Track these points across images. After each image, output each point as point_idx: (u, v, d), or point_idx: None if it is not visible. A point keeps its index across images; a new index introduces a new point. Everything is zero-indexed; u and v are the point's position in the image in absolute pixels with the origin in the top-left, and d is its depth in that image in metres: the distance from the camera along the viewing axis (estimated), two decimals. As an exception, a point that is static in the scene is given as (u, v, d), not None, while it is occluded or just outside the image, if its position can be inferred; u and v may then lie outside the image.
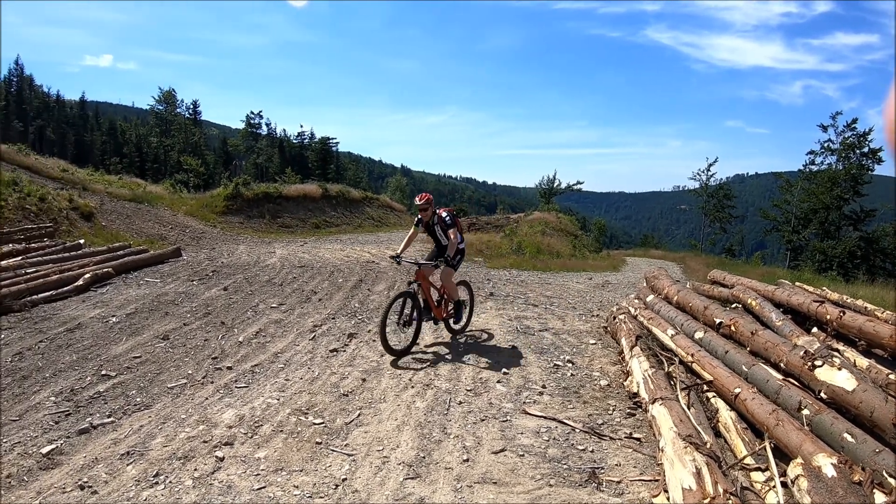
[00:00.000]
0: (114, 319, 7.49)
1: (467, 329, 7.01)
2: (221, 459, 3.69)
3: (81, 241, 13.00)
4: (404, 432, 4.13)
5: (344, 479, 3.45)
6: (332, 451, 3.85)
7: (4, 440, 4.14)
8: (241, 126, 70.52)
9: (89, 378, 5.41)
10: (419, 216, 6.26)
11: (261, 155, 67.50)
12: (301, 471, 3.55)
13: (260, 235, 21.91)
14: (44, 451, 3.92)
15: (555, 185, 38.59)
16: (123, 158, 59.44)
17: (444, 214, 6.27)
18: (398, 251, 6.24)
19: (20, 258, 9.95)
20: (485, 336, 7.00)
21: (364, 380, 5.29)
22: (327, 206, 27.90)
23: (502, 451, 3.87)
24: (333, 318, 7.80)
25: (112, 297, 8.88)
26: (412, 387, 5.10)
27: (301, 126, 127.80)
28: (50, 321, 7.47)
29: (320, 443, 3.95)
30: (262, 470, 3.57)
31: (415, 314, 6.02)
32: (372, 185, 67.08)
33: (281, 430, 4.15)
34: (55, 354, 6.11)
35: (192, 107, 66.94)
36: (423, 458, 3.75)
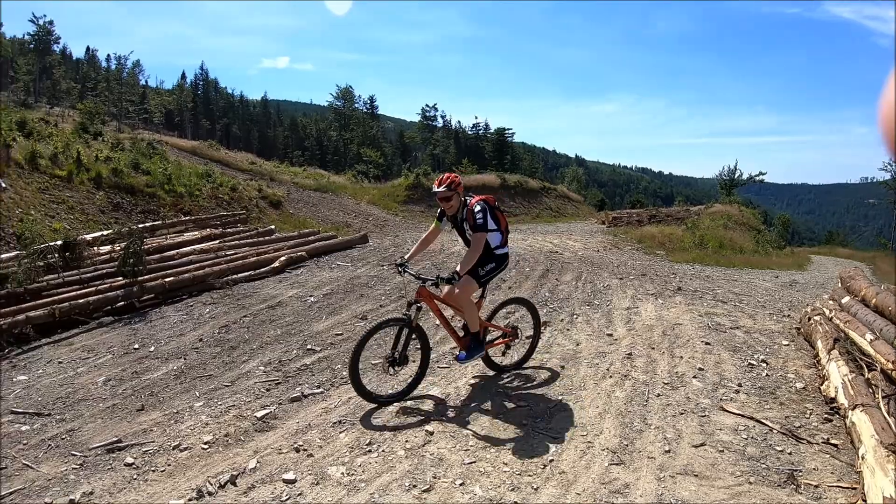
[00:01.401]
0: (311, 299, 9.90)
1: (527, 363, 6.73)
2: (431, 434, 5.01)
3: (273, 227, 16.52)
4: (606, 420, 5.28)
5: (551, 461, 4.56)
6: (538, 432, 5.05)
7: (219, 403, 5.87)
8: (417, 119, 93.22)
9: (295, 351, 7.32)
10: (441, 207, 5.93)
11: (437, 146, 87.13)
12: (509, 449, 4.75)
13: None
14: (258, 414, 5.48)
15: (736, 176, 46.28)
16: (305, 151, 78.43)
17: (475, 207, 5.73)
18: (406, 255, 6.04)
19: (218, 241, 13.22)
20: (677, 330, 8.21)
21: (563, 367, 6.72)
22: (505, 195, 34.84)
23: (702, 445, 4.84)
24: None
25: (307, 279, 11.57)
26: (610, 376, 6.38)
27: (476, 118, 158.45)
28: (251, 298, 10.00)
29: (526, 424, 5.20)
30: (472, 446, 4.80)
31: (409, 348, 5.74)
32: (547, 176, 78.24)
33: (487, 411, 5.52)
34: (260, 328, 8.40)
35: (368, 102, 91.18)
36: (626, 445, 4.80)
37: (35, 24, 73.58)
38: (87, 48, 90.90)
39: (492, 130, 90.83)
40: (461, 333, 6.04)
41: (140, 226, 13.22)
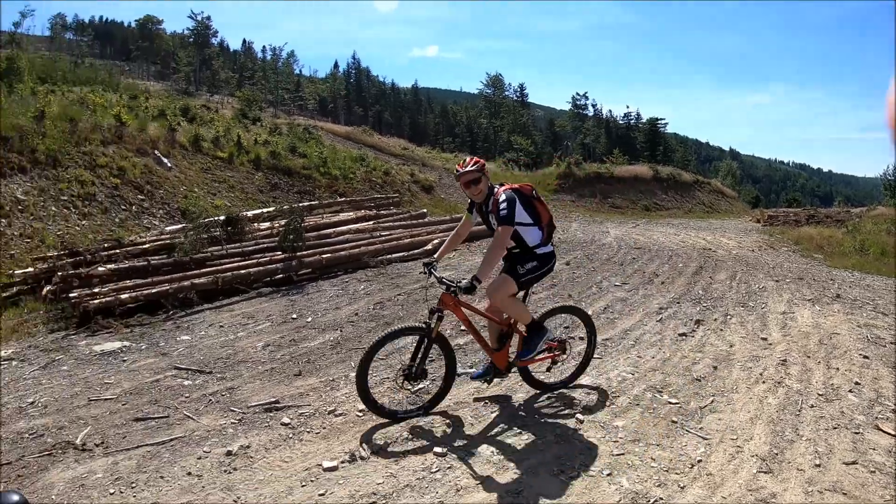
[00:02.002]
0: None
1: (576, 381, 6.13)
2: (581, 422, 5.24)
3: (424, 211, 17.07)
4: (757, 426, 5.34)
5: (699, 461, 4.67)
6: (687, 431, 5.17)
7: (374, 374, 6.07)
8: (567, 107, 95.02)
9: (448, 331, 7.57)
10: (469, 195, 5.43)
11: (588, 135, 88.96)
12: (658, 445, 4.88)
13: (591, 214, 27.08)
14: (412, 388, 5.88)
15: (904, 178, 44.66)
16: (455, 138, 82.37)
17: (501, 197, 5.16)
18: (435, 254, 5.76)
19: (372, 223, 13.90)
20: (834, 340, 8.04)
21: (715, 367, 6.78)
22: (657, 188, 35.20)
23: (853, 463, 4.82)
24: (678, 303, 9.71)
25: (459, 263, 12.23)
26: (763, 382, 6.39)
27: (627, 107, 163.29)
28: (404, 278, 10.57)
29: (675, 422, 5.33)
30: (621, 438, 4.96)
31: (426, 362, 5.35)
32: (700, 169, 78.44)
33: (637, 404, 5.68)
34: (413, 307, 8.92)
35: (518, 90, 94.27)
36: (776, 454, 4.85)
37: (194, 20, 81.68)
38: (244, 41, 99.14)
39: (643, 120, 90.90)
40: (495, 345, 5.52)
41: (299, 205, 14.15)
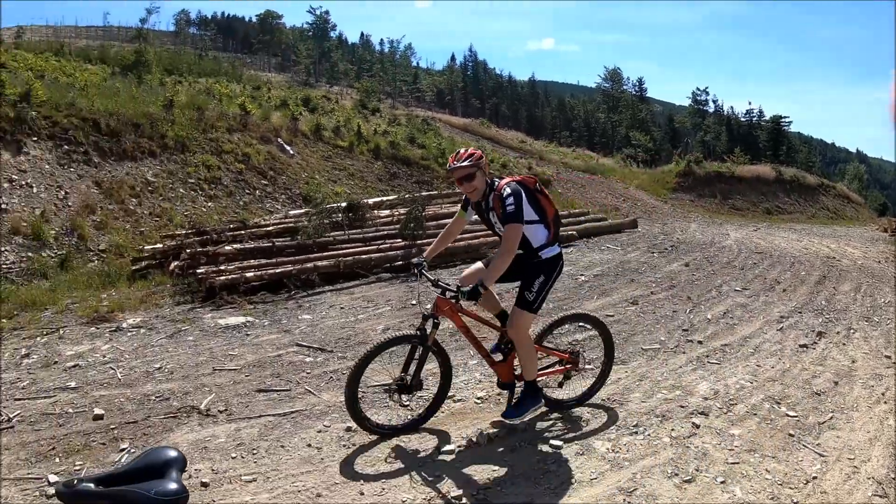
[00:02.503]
0: (583, 278, 10.56)
1: (591, 398, 5.59)
2: (697, 427, 5.18)
3: None
4: (876, 447, 5.15)
5: (814, 478, 4.54)
6: (804, 446, 5.04)
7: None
8: (687, 103, 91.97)
9: (566, 327, 7.54)
10: (462, 191, 4.97)
11: (708, 132, 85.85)
12: (773, 458, 4.79)
13: (710, 215, 26.36)
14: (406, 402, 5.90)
15: None
16: (572, 132, 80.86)
17: (505, 191, 4.67)
18: (424, 253, 5.30)
19: (489, 215, 13.97)
20: None
21: (836, 383, 6.56)
22: (780, 190, 34.55)
23: None
24: (799, 312, 9.43)
25: (578, 258, 12.31)
26: (885, 402, 6.10)
27: (749, 103, 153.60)
28: None
29: (793, 435, 5.20)
30: (736, 446, 4.90)
31: (421, 372, 4.95)
32: (824, 171, 74.16)
33: (754, 414, 5.59)
34: None
35: (637, 84, 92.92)
36: (894, 479, 4.66)
37: (313, 14, 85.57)
38: (362, 34, 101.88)
39: (766, 118, 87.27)
40: (497, 357, 5.06)
41: (420, 194, 14.48)
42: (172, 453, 1.93)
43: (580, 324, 6.02)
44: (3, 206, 11.69)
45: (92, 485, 1.80)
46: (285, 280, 9.11)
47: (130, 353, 6.80)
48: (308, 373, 6.04)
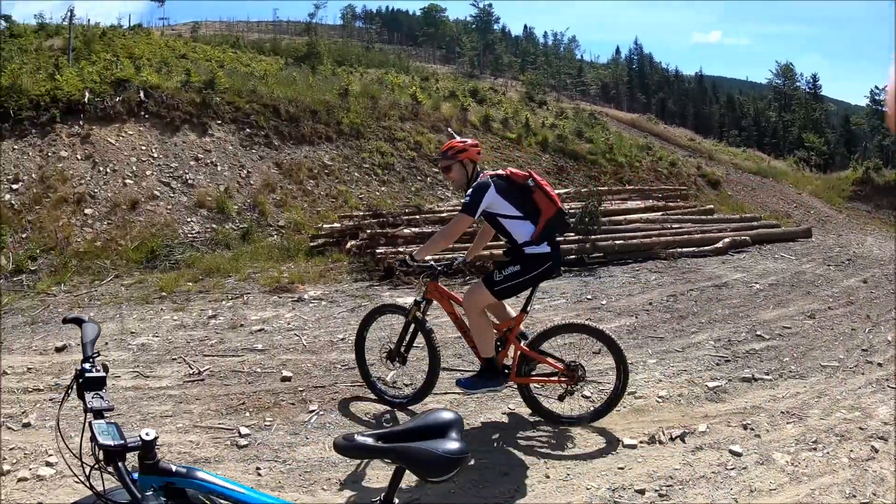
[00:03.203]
0: (757, 286, 10.16)
1: (600, 420, 5.03)
2: (876, 451, 4.92)
3: (712, 207, 16.59)
4: None
5: None
6: None
7: (671, 365, 6.36)
8: (864, 103, 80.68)
9: (743, 334, 7.67)
10: None
11: (888, 137, 78.04)
12: None
13: (888, 229, 23.85)
14: (709, 384, 5.96)
15: None
16: (742, 131, 75.24)
17: (474, 184, 4.77)
18: (467, 254, 5.82)
19: (661, 214, 13.79)
20: None
21: None
22: None
23: None
24: None
25: (751, 265, 11.85)
26: None
27: None
28: (695, 274, 10.50)
29: None
30: None
31: (410, 348, 5.26)
32: None
33: None
34: (707, 305, 8.83)
35: (811, 80, 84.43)
36: None
37: (476, 7, 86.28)
38: (525, 26, 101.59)
39: None
40: (495, 355, 4.96)
41: (597, 188, 14.54)
42: (451, 415, 2.01)
43: (588, 338, 5.24)
44: (190, 181, 12.80)
45: (371, 440, 1.90)
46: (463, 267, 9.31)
47: (313, 323, 7.35)
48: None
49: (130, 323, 7.90)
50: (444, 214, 11.14)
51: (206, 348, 6.59)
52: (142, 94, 14.49)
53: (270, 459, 4.48)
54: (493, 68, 70.71)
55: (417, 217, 10.71)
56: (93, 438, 1.84)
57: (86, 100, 14.10)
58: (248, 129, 14.64)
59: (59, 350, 7.03)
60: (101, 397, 2.00)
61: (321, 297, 8.38)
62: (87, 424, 1.90)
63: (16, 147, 13.32)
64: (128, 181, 12.63)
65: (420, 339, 5.26)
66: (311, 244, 11.10)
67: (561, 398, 4.98)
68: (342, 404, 5.31)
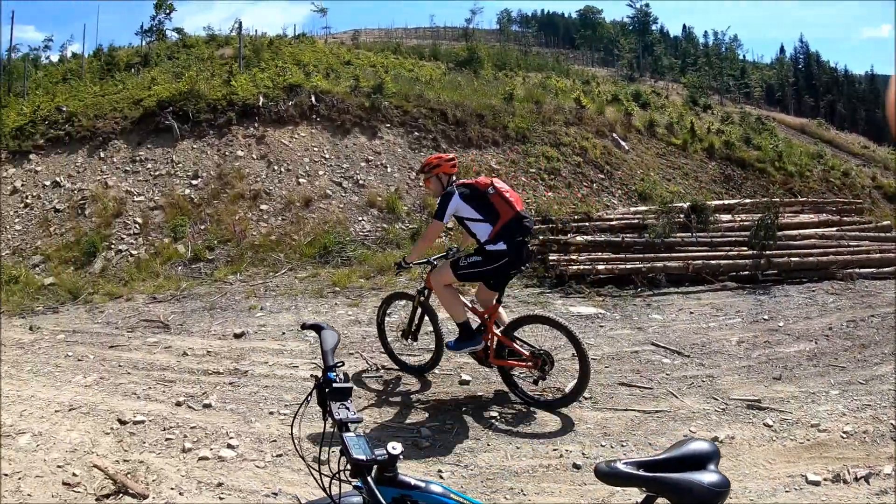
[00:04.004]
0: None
1: (568, 405, 5.48)
2: None
3: (888, 223, 14.93)
4: None
5: None
6: None
7: (854, 398, 5.85)
8: None
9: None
10: None
11: None
12: None
13: None
14: (893, 422, 5.43)
15: None
16: None
17: (447, 189, 5.57)
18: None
19: (836, 229, 12.76)
20: None
21: None
22: None
23: None
24: None
25: None
26: None
27: None
28: (875, 298, 9.59)
29: None
30: None
31: (420, 327, 6.19)
32: None
33: None
34: (889, 334, 7.91)
35: None
36: None
37: (633, 8, 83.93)
38: (684, 26, 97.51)
39: None
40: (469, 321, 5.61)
41: (774, 200, 13.75)
42: (709, 446, 1.98)
43: (549, 328, 6.00)
44: (361, 181, 13.38)
45: (632, 468, 1.88)
46: (633, 277, 9.23)
47: None
48: (667, 374, 6.09)
49: (306, 315, 8.35)
50: (615, 222, 10.94)
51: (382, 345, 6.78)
52: (313, 99, 15.33)
53: (452, 463, 4.53)
54: (652, 71, 68.71)
55: (587, 224, 10.58)
56: (344, 451, 1.87)
57: (260, 103, 15.10)
58: (416, 133, 15.09)
59: (237, 336, 7.60)
60: (347, 408, 2.02)
61: None
62: (331, 433, 1.97)
63: (195, 146, 14.46)
64: (301, 180, 13.36)
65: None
66: None
67: (535, 382, 5.50)
68: (520, 413, 5.33)
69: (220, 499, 4.13)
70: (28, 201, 14.34)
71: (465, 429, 5.03)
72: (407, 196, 13.33)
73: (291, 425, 2.26)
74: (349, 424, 1.97)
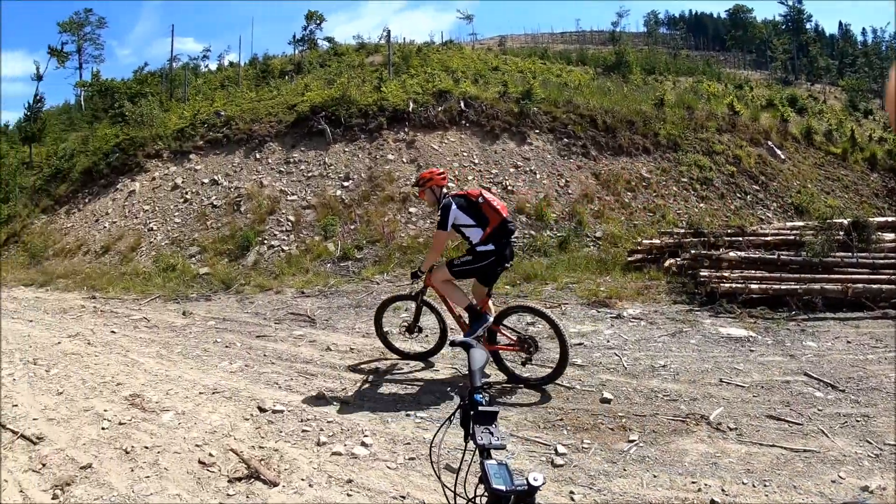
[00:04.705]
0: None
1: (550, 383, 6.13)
2: None
3: None
4: None
5: None
6: None
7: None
8: None
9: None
10: None
11: None
12: None
13: None
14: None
15: None
16: None
17: (442, 204, 6.34)
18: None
19: None
20: None
21: None
22: None
23: None
24: None
25: None
26: None
27: None
28: None
29: None
30: None
31: (421, 322, 6.91)
32: None
33: None
34: None
35: None
36: None
37: (785, 5, 78.20)
38: (840, 23, 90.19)
39: None
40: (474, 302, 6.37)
41: None
42: None
43: (533, 317, 7.10)
44: (510, 187, 13.28)
45: None
46: (788, 298, 8.47)
47: (633, 344, 7.10)
48: (819, 410, 5.44)
49: (449, 319, 8.31)
50: (769, 238, 10.06)
51: (525, 355, 6.71)
52: (462, 104, 15.43)
53: (585, 485, 4.31)
54: (808, 72, 64.27)
55: (740, 239, 9.80)
56: (483, 479, 1.80)
57: (410, 109, 15.38)
58: (565, 139, 14.85)
59: None
60: (491, 433, 1.93)
61: (640, 316, 8.11)
62: (469, 456, 1.90)
63: (346, 150, 14.91)
64: (450, 184, 13.45)
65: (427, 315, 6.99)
66: (629, 259, 10.79)
67: (523, 363, 6.25)
68: (662, 438, 4.95)
69: (348, 495, 4.18)
70: (187, 197, 15.45)
71: (602, 450, 4.77)
72: (556, 203, 13.18)
73: (431, 443, 2.25)
74: (491, 451, 1.89)
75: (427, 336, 7.39)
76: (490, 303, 6.46)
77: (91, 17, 56.13)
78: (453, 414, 2.13)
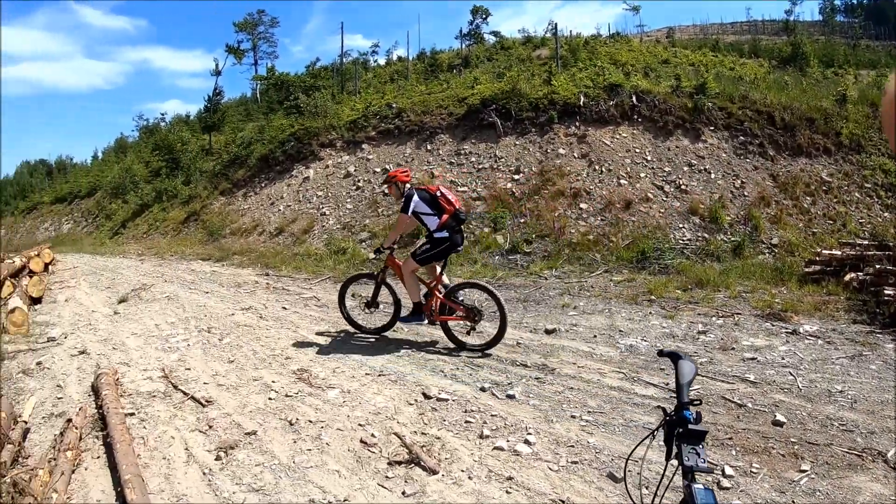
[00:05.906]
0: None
1: (492, 349, 7.22)
2: None
3: None
4: None
5: None
6: None
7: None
8: None
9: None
10: None
11: None
12: None
13: None
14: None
15: None
16: None
17: (408, 192, 7.34)
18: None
19: None
20: None
21: None
22: None
23: None
24: None
25: None
26: None
27: None
28: None
29: None
30: None
31: (378, 297, 7.96)
32: None
33: None
34: None
35: None
36: None
37: None
38: None
39: None
40: (419, 298, 7.44)
41: None
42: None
43: (479, 291, 7.42)
44: (683, 187, 12.77)
45: None
46: None
47: (809, 364, 6.50)
48: None
49: (619, 321, 8.17)
50: None
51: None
52: (634, 99, 15.00)
53: None
54: None
55: None
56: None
57: (581, 103, 15.14)
58: (741, 137, 14.09)
59: (548, 332, 7.77)
60: (698, 454, 1.81)
61: (817, 333, 7.46)
62: (676, 481, 1.78)
63: (517, 143, 14.91)
64: (622, 181, 13.14)
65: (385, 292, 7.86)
66: (806, 270, 9.95)
67: (468, 333, 7.35)
68: (836, 472, 4.42)
69: (507, 492, 4.13)
70: (359, 185, 16.19)
71: (771, 477, 4.36)
72: (731, 205, 12.55)
73: (627, 459, 2.16)
74: (696, 474, 1.78)
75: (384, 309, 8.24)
76: (444, 278, 7.47)
77: (264, 18, 60.60)
78: (657, 429, 2.03)
